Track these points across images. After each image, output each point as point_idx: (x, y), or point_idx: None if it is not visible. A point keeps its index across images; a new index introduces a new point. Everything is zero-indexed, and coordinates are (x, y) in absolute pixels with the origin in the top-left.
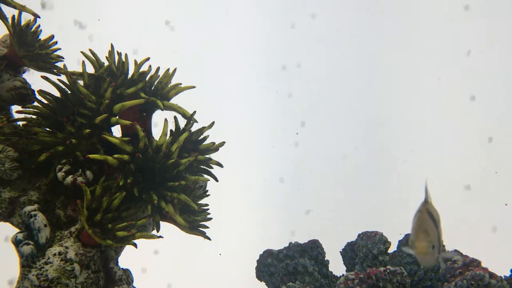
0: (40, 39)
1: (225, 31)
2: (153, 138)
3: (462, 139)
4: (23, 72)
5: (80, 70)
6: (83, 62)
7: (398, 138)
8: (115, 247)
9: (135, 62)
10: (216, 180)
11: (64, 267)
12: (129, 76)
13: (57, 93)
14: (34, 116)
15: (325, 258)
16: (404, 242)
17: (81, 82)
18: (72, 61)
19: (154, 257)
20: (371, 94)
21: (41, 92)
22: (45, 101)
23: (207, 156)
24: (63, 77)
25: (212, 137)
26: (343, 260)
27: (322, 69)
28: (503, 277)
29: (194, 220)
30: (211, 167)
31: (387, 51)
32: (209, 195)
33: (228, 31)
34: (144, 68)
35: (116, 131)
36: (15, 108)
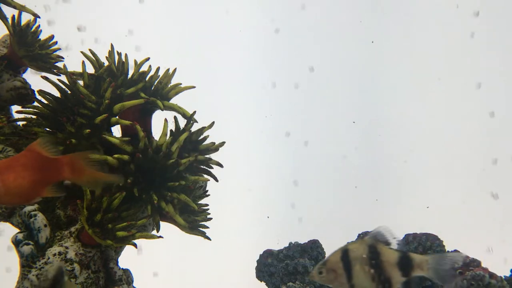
0: (40, 39)
1: (225, 30)
2: (153, 138)
3: (463, 139)
4: (23, 72)
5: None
6: (83, 62)
7: (398, 138)
8: (115, 247)
9: (135, 62)
10: (216, 180)
11: (64, 267)
12: (129, 76)
13: (57, 93)
14: (34, 116)
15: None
16: (404, 242)
17: (81, 82)
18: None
19: (153, 257)
20: (371, 94)
21: (41, 92)
22: (45, 101)
23: (207, 156)
24: (63, 77)
25: (212, 137)
26: None
27: (322, 68)
28: (503, 277)
29: (194, 220)
30: (211, 167)
31: (387, 51)
32: (209, 195)
33: (228, 30)
34: (144, 68)
35: (116, 131)
36: (15, 108)
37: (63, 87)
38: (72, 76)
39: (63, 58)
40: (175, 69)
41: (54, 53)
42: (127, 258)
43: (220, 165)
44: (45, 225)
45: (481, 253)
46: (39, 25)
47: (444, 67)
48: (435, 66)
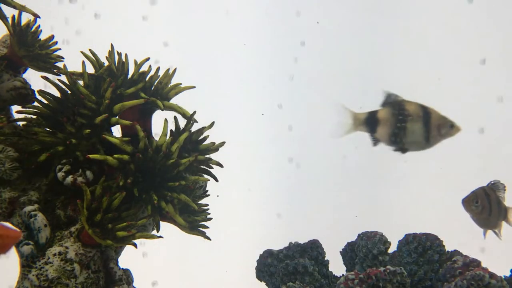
0: (40, 39)
1: (225, 30)
2: (153, 138)
3: (462, 139)
4: (23, 72)
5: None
6: (83, 62)
7: None
8: (115, 247)
9: (135, 62)
10: (216, 180)
11: (64, 267)
12: (129, 76)
13: (57, 93)
14: (34, 116)
15: (325, 258)
16: (404, 242)
17: (81, 82)
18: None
19: (154, 257)
20: (371, 94)
21: (41, 92)
22: (45, 101)
23: (207, 156)
24: (63, 77)
25: (212, 137)
26: (343, 260)
27: (322, 68)
28: (503, 277)
29: (194, 220)
30: (211, 167)
31: (387, 50)
32: (209, 195)
33: (228, 30)
34: (144, 68)
35: (116, 131)
36: (15, 108)
37: (63, 87)
38: (72, 76)
39: (63, 58)
40: (175, 69)
41: (54, 53)
42: (127, 258)
43: (220, 165)
44: (45, 225)
45: (481, 253)
46: (39, 25)
47: (444, 67)
48: (435, 66)
